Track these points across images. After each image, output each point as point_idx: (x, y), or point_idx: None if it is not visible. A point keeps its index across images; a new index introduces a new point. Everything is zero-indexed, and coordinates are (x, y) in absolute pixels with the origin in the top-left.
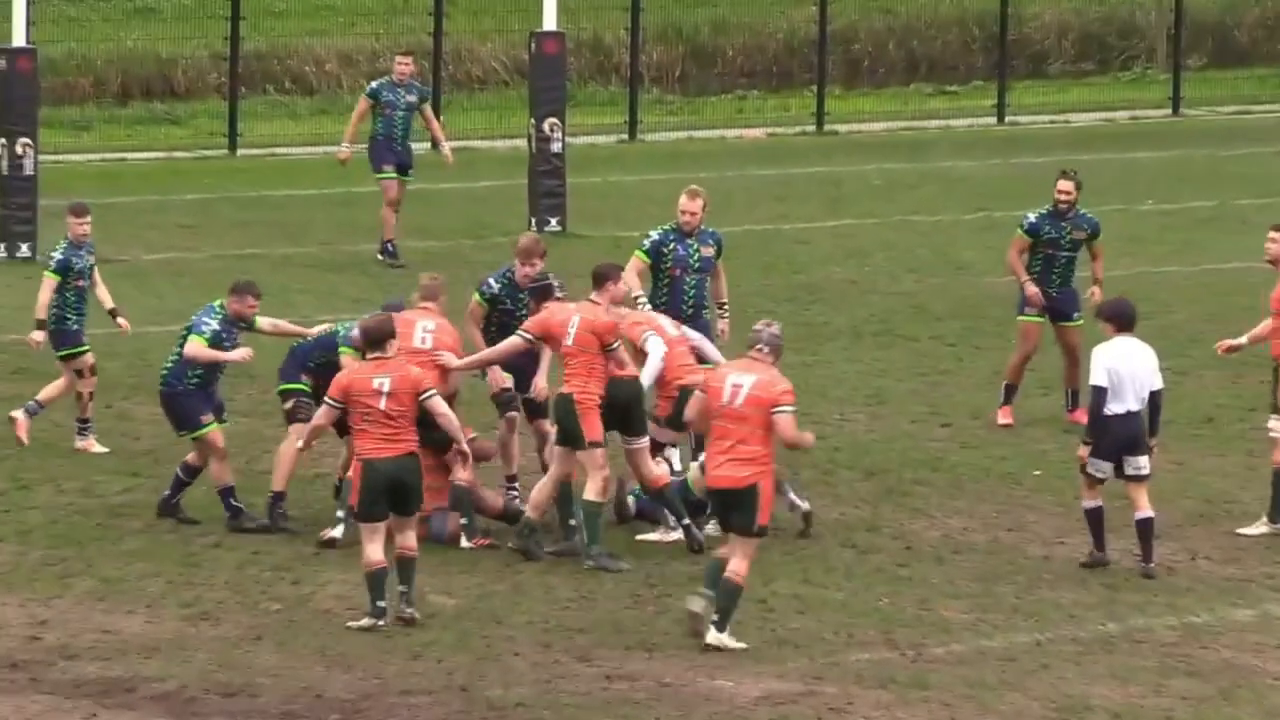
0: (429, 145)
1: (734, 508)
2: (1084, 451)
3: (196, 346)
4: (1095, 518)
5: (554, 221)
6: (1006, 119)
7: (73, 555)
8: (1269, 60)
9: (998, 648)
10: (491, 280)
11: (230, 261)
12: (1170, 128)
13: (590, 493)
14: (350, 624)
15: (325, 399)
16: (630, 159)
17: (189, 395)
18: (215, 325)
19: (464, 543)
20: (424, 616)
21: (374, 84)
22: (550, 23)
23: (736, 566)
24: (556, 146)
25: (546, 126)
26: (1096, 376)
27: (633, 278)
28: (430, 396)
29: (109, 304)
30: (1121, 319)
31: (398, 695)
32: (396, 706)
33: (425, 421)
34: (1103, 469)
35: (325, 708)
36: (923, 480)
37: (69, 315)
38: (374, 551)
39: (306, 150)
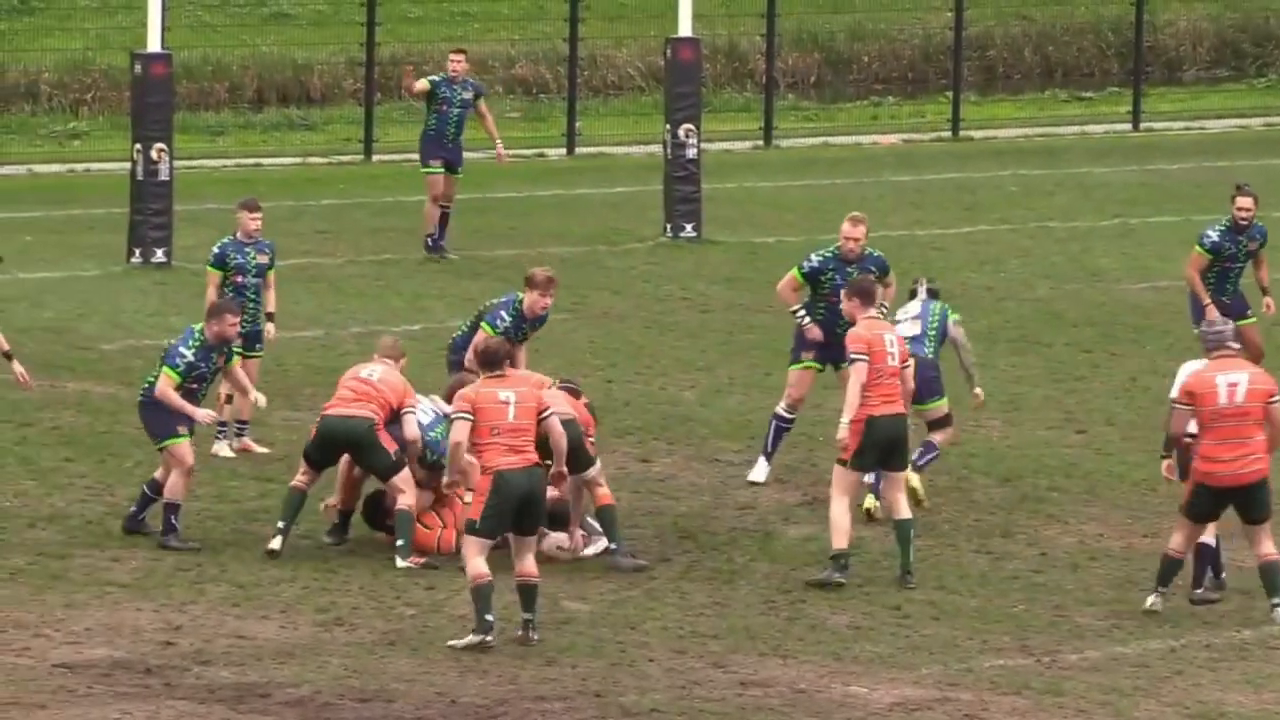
0: (565, 151)
1: (1248, 502)
2: (1168, 465)
3: (166, 387)
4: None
5: (689, 228)
6: (1142, 125)
7: (207, 561)
8: None
9: (1132, 654)
10: (503, 313)
11: (365, 267)
12: None
13: (906, 511)
14: (453, 643)
15: (452, 415)
16: (765, 165)
17: (161, 406)
18: (190, 356)
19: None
20: (558, 622)
21: (434, 76)
22: (686, 29)
23: (1269, 550)
24: (692, 152)
25: (682, 132)
26: (1175, 390)
27: (789, 293)
28: (549, 417)
29: (268, 308)
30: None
31: (532, 700)
32: (531, 712)
33: None
34: None
35: (460, 713)
36: (1057, 487)
37: None
38: (480, 565)
39: None
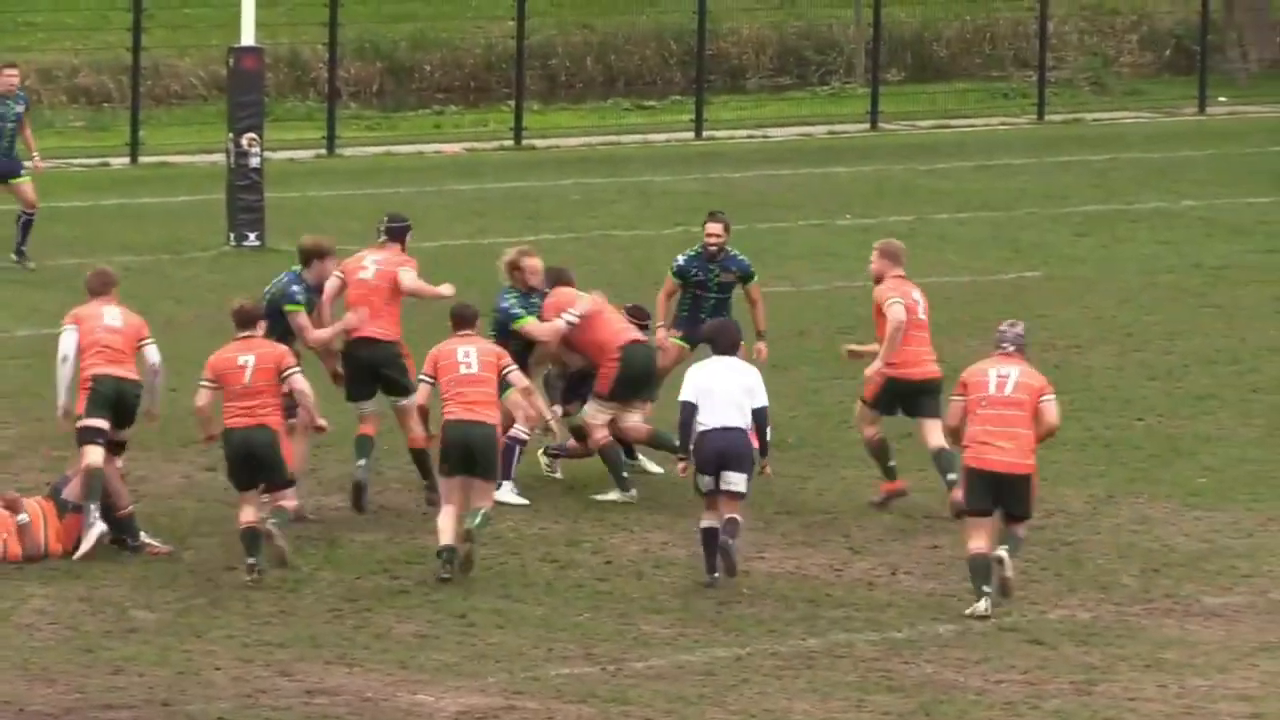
0: (129, 160)
1: (1009, 493)
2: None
3: None
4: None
5: (253, 236)
6: (704, 134)
7: None
8: (967, 74)
9: (698, 662)
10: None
11: None
12: (868, 142)
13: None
14: None
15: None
16: (329, 174)
17: None
18: None
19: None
20: (124, 631)
21: None
22: (249, 38)
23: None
24: (255, 161)
25: (245, 141)
26: (683, 392)
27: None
28: (511, 370)
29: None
30: (716, 342)
31: (99, 709)
32: None
33: None
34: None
35: None
36: None
37: None
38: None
39: None
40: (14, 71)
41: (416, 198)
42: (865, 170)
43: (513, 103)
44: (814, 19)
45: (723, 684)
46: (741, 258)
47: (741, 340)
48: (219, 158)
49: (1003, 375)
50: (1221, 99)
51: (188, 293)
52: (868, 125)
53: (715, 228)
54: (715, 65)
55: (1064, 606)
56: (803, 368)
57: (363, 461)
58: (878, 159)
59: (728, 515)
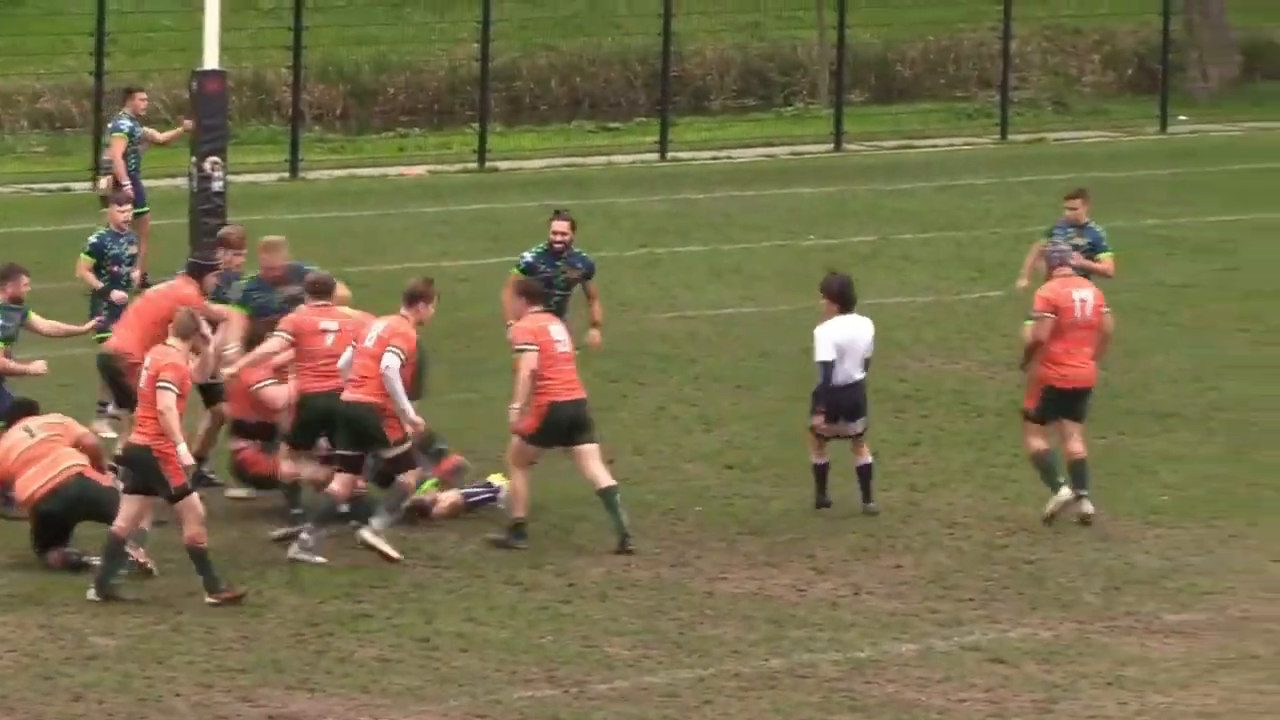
0: (91, 185)
1: (1083, 400)
2: (817, 420)
3: None
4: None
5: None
6: (669, 155)
7: None
8: (931, 95)
9: (661, 684)
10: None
11: None
12: (832, 163)
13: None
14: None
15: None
16: (292, 197)
17: None
18: None
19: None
20: (84, 658)
21: (127, 123)
22: (212, 61)
23: (1080, 447)
24: (218, 185)
25: (208, 165)
26: (823, 352)
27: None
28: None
29: None
30: (842, 299)
31: None
32: None
33: None
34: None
35: None
36: (585, 516)
37: None
38: (295, 468)
39: None
40: (144, 95)
41: (380, 220)
42: (829, 191)
43: (476, 125)
44: (778, 40)
45: (686, 705)
46: (586, 255)
47: None
48: (182, 181)
49: (1083, 299)
50: (1182, 118)
51: None
52: (831, 146)
53: (562, 225)
54: (679, 87)
55: (1026, 625)
56: (767, 388)
57: None
58: (841, 179)
59: (865, 458)
